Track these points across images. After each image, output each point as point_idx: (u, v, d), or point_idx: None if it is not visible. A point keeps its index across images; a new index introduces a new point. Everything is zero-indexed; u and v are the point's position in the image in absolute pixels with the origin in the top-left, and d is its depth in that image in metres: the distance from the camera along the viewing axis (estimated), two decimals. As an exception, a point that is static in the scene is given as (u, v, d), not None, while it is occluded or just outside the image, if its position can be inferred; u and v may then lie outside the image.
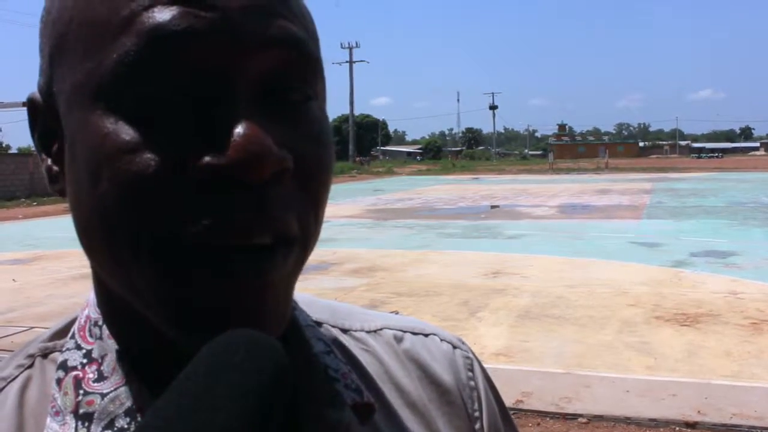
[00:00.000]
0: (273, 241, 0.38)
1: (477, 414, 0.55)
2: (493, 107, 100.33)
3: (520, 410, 4.21)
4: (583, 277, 8.29)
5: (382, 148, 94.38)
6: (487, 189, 28.31)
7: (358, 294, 7.65)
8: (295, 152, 0.38)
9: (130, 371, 0.43)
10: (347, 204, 20.63)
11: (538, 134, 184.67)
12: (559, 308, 6.77)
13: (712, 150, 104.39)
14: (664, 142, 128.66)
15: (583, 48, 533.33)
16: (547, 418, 4.13)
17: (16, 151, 38.35)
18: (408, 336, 0.56)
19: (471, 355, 0.58)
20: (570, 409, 4.22)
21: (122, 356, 0.43)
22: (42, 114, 0.43)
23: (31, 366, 0.46)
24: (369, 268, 9.30)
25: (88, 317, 0.46)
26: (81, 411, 0.41)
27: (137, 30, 0.36)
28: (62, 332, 0.47)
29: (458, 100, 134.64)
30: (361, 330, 0.55)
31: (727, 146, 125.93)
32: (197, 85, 0.37)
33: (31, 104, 0.44)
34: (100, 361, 0.43)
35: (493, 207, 19.37)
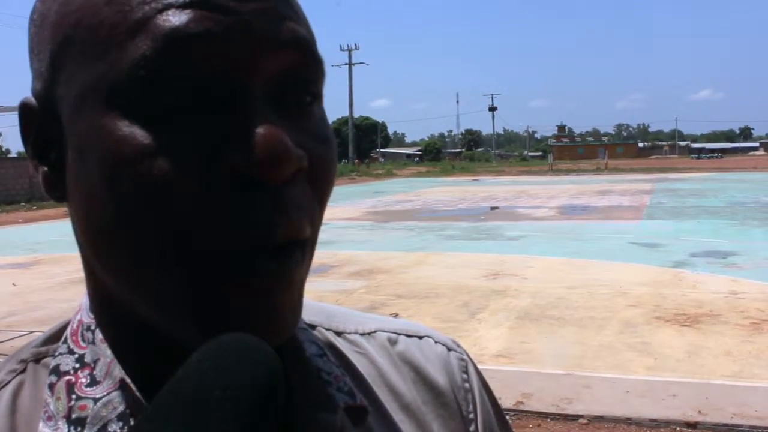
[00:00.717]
0: (289, 241, 0.38)
1: (472, 416, 0.55)
2: (492, 109, 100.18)
3: (521, 411, 4.21)
4: (584, 278, 8.29)
5: (381, 150, 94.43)
6: (486, 190, 28.29)
7: (358, 296, 7.64)
8: (306, 152, 0.39)
9: (123, 376, 0.42)
10: (347, 206, 20.61)
11: (537, 135, 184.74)
12: (560, 309, 6.76)
13: (712, 150, 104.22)
14: (663, 143, 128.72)
15: (582, 49, 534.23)
16: (548, 419, 4.13)
17: (15, 156, 38.36)
18: (402, 338, 0.56)
19: (466, 357, 0.58)
20: (570, 409, 4.22)
21: (115, 361, 0.43)
22: (38, 119, 0.42)
23: (23, 371, 0.46)
24: (369, 271, 9.29)
25: (80, 322, 0.46)
26: (73, 416, 0.41)
27: (153, 33, 0.36)
28: (55, 337, 0.47)
29: (457, 101, 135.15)
30: (355, 333, 0.55)
31: (727, 146, 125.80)
32: (214, 87, 0.37)
33: (25, 109, 0.43)
34: (92, 365, 0.43)
35: (492, 208, 19.33)
